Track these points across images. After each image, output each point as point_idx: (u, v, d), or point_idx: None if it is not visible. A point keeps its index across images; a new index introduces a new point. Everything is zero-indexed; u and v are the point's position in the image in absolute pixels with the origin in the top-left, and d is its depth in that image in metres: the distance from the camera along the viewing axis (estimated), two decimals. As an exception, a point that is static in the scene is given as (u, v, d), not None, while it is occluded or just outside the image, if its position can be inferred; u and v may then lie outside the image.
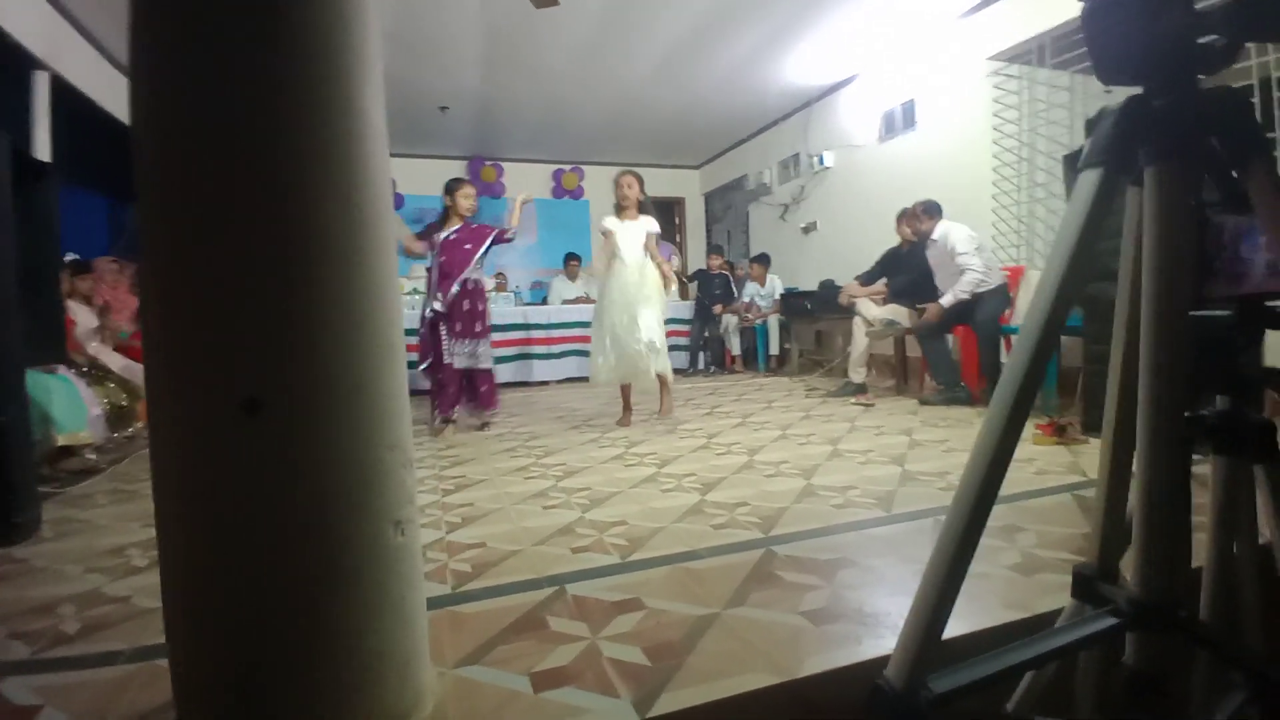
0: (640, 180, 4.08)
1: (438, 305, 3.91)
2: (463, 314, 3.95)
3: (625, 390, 4.12)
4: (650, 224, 4.05)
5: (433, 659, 1.20)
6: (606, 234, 4.04)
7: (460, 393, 4.04)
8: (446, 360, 3.93)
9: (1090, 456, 2.69)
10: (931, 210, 4.50)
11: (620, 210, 4.07)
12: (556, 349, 6.87)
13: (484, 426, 4.10)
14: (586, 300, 7.54)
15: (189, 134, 0.96)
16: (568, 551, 1.86)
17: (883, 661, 0.68)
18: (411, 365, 6.15)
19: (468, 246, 3.94)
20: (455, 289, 3.92)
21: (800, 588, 1.54)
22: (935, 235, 4.45)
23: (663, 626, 1.38)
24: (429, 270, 4.03)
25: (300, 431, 0.97)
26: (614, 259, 4.02)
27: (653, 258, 4.02)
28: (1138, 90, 0.62)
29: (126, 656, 1.35)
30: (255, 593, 0.97)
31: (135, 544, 2.09)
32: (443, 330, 3.94)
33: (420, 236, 4.04)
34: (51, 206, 2.90)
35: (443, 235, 3.94)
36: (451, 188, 3.98)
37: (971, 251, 4.26)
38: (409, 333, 6.09)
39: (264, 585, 0.97)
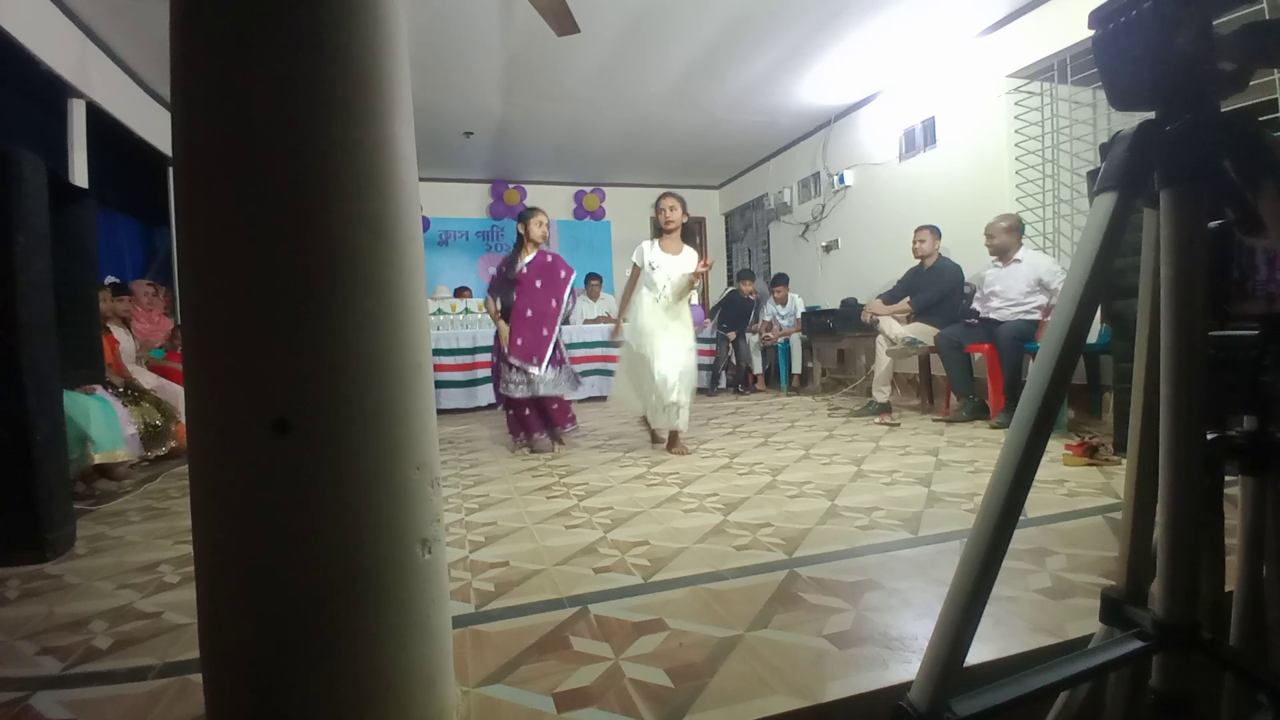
0: (683, 203, 3.90)
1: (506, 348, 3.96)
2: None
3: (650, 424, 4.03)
4: (695, 259, 3.87)
5: (456, 678, 1.21)
6: (634, 269, 3.94)
7: (539, 416, 4.05)
8: (507, 392, 3.95)
9: (1122, 477, 2.64)
10: (1019, 228, 4.41)
11: (663, 235, 3.89)
12: (578, 368, 6.90)
13: (559, 443, 4.11)
14: (608, 319, 7.58)
15: (225, 165, 0.99)
16: (590, 571, 1.87)
17: (909, 687, 0.67)
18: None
19: (539, 284, 3.96)
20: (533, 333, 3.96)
21: (824, 610, 1.53)
22: (1019, 256, 4.34)
23: (685, 648, 1.37)
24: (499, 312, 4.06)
25: (329, 451, 0.99)
26: (643, 290, 3.89)
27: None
28: (1151, 115, 0.62)
29: (157, 671, 1.37)
30: (285, 608, 0.98)
31: (167, 560, 2.13)
32: (507, 363, 3.96)
33: (494, 287, 4.09)
34: (88, 230, 2.99)
35: (518, 268, 3.97)
36: (524, 216, 4.01)
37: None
38: (444, 353, 6.22)
39: (294, 601, 0.98)
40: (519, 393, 3.93)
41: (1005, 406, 4.15)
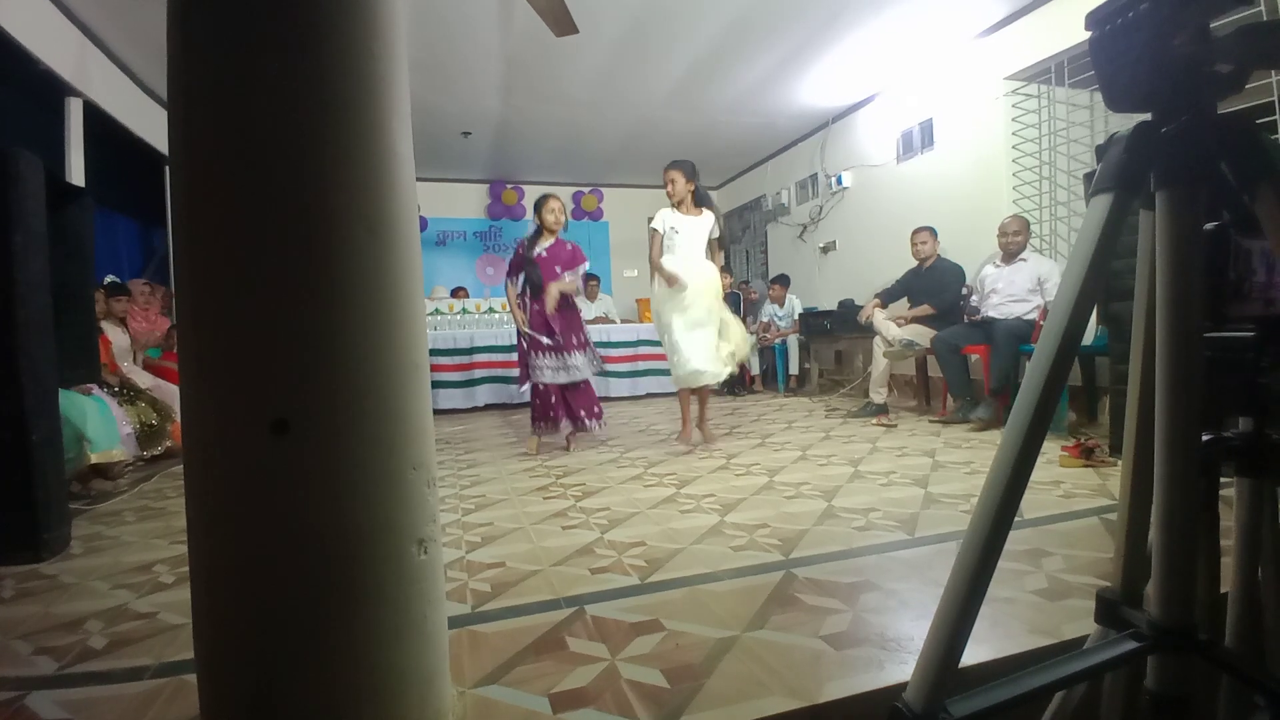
0: (685, 172, 3.82)
1: (527, 328, 3.92)
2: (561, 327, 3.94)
3: (687, 400, 3.94)
4: (712, 221, 3.87)
5: (452, 678, 1.21)
6: (653, 233, 3.87)
7: (561, 407, 3.99)
8: (539, 379, 3.92)
9: (1118, 479, 2.64)
10: (1026, 228, 4.47)
11: (675, 205, 3.86)
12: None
13: (574, 436, 4.08)
14: (605, 320, 7.58)
15: (222, 164, 0.99)
16: (587, 572, 1.87)
17: (905, 687, 0.67)
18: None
19: (558, 269, 3.94)
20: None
21: (821, 611, 1.53)
22: (1026, 256, 4.38)
23: (682, 648, 1.37)
24: (521, 292, 4.03)
25: (326, 450, 0.99)
26: (665, 255, 3.83)
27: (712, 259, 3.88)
28: (1147, 116, 0.63)
29: (152, 671, 1.37)
30: (280, 608, 0.98)
31: (162, 560, 2.13)
32: (537, 348, 3.93)
33: (513, 268, 4.04)
34: (85, 229, 2.98)
35: (535, 252, 3.96)
36: (539, 205, 4.01)
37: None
38: (441, 353, 6.20)
39: (289, 600, 0.98)
40: (560, 378, 3.90)
41: (984, 401, 4.27)
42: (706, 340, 3.78)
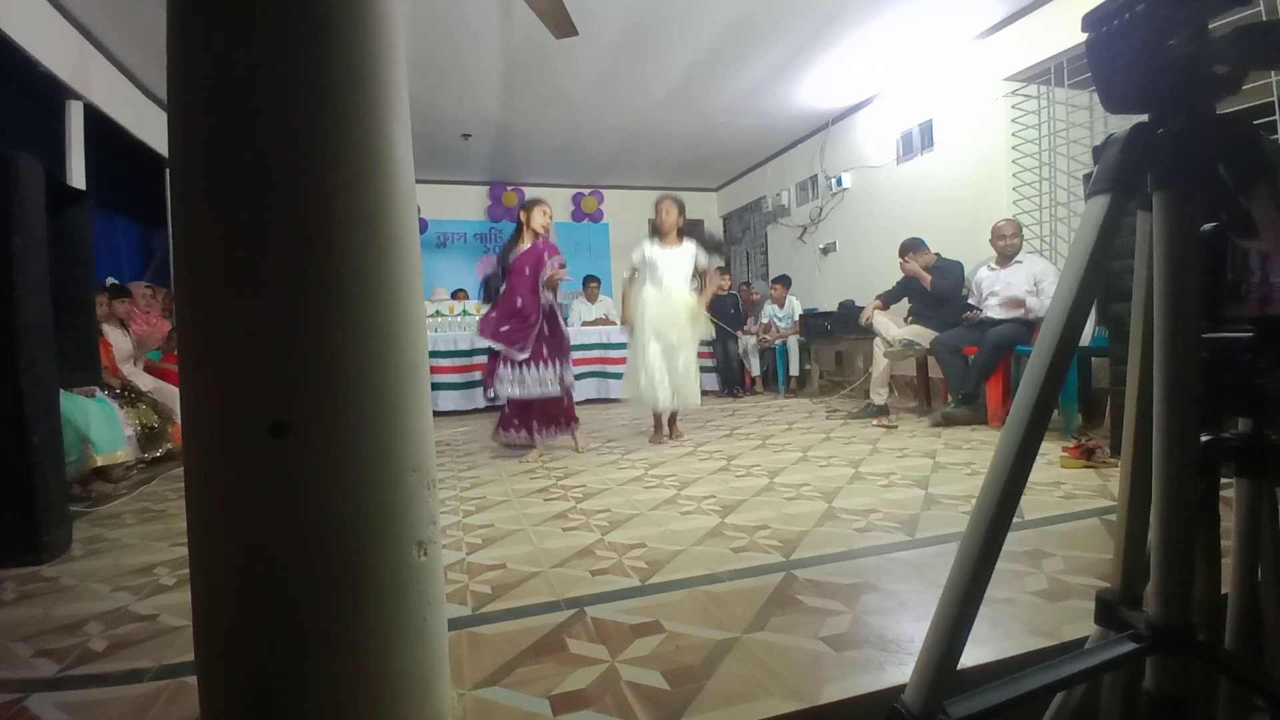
0: (681, 206, 4.11)
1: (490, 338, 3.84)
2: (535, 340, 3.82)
3: (659, 414, 4.18)
4: (696, 250, 4.10)
5: (452, 680, 1.21)
6: (633, 268, 4.11)
7: (533, 419, 3.90)
8: (499, 389, 3.83)
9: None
10: (1020, 230, 4.49)
11: (660, 236, 4.08)
12: (576, 370, 6.90)
13: (577, 443, 4.02)
14: (606, 322, 7.59)
15: (221, 166, 0.99)
16: (587, 574, 1.87)
17: (905, 689, 0.67)
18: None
19: (526, 272, 3.83)
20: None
21: (821, 612, 1.53)
22: (1021, 258, 4.39)
23: (682, 650, 1.37)
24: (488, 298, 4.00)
25: (325, 453, 0.99)
26: (646, 285, 4.05)
27: (703, 285, 4.11)
28: (1144, 117, 0.63)
29: (152, 674, 1.37)
30: (280, 610, 0.98)
31: (163, 563, 2.13)
32: (501, 360, 3.82)
33: (500, 274, 3.97)
34: (85, 232, 2.98)
35: (510, 257, 3.90)
36: (528, 206, 3.93)
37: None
38: (441, 355, 6.19)
39: (288, 603, 0.98)
40: (515, 392, 3.78)
41: (948, 402, 4.42)
42: (671, 369, 4.02)
